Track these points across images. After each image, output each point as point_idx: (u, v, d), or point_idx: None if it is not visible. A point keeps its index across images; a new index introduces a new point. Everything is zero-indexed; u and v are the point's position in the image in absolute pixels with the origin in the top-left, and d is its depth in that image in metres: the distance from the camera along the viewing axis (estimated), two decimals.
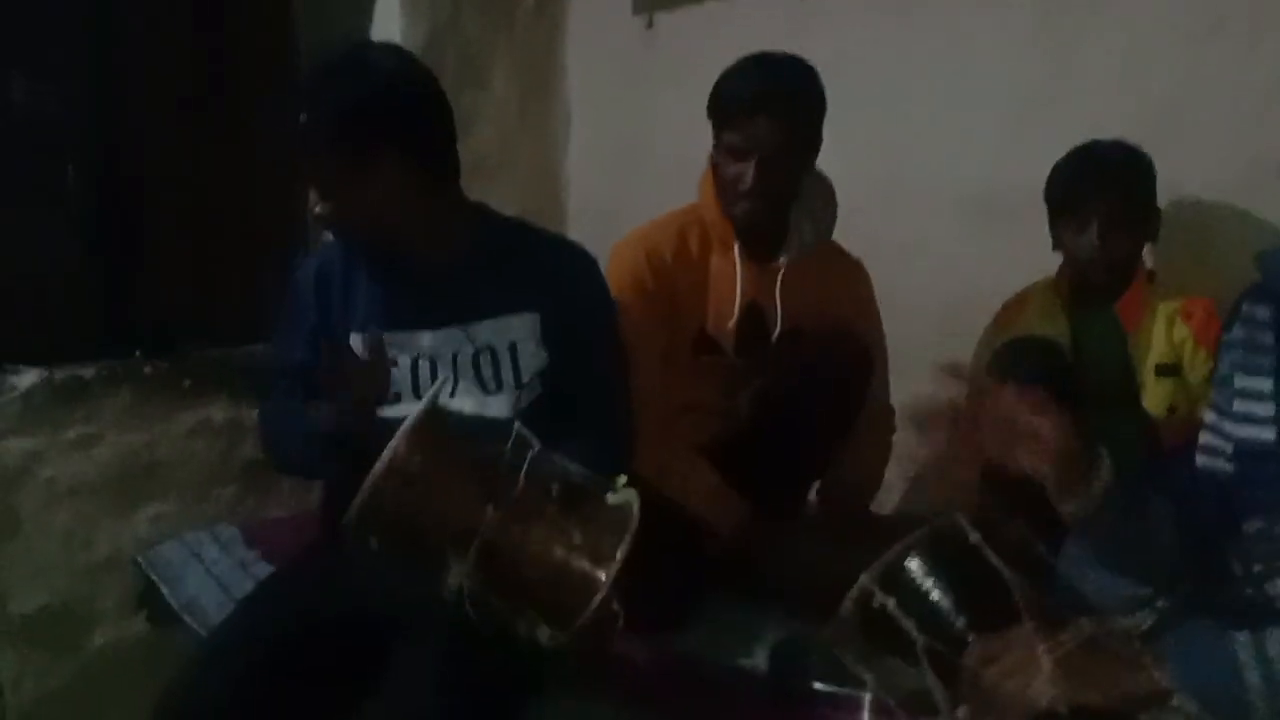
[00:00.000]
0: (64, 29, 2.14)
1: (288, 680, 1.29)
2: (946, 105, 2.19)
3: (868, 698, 1.38)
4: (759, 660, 1.51)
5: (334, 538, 1.47)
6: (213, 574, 1.84)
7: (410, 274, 1.46)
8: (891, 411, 1.97)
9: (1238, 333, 1.18)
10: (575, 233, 2.26)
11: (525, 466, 1.19)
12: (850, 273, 1.92)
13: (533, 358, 1.46)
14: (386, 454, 1.15)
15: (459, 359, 1.45)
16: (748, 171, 1.69)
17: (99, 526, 2.06)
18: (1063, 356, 1.74)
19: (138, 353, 2.17)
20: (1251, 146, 1.85)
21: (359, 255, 1.48)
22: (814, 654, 1.46)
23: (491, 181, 1.52)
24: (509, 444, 1.22)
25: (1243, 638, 0.98)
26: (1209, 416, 1.21)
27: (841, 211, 1.87)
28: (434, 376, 1.45)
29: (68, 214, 2.16)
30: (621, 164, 2.62)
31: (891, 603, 1.07)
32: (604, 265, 1.65)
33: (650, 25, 2.57)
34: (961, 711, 1.04)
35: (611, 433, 1.48)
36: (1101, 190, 1.76)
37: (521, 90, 2.57)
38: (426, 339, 1.45)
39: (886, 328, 1.96)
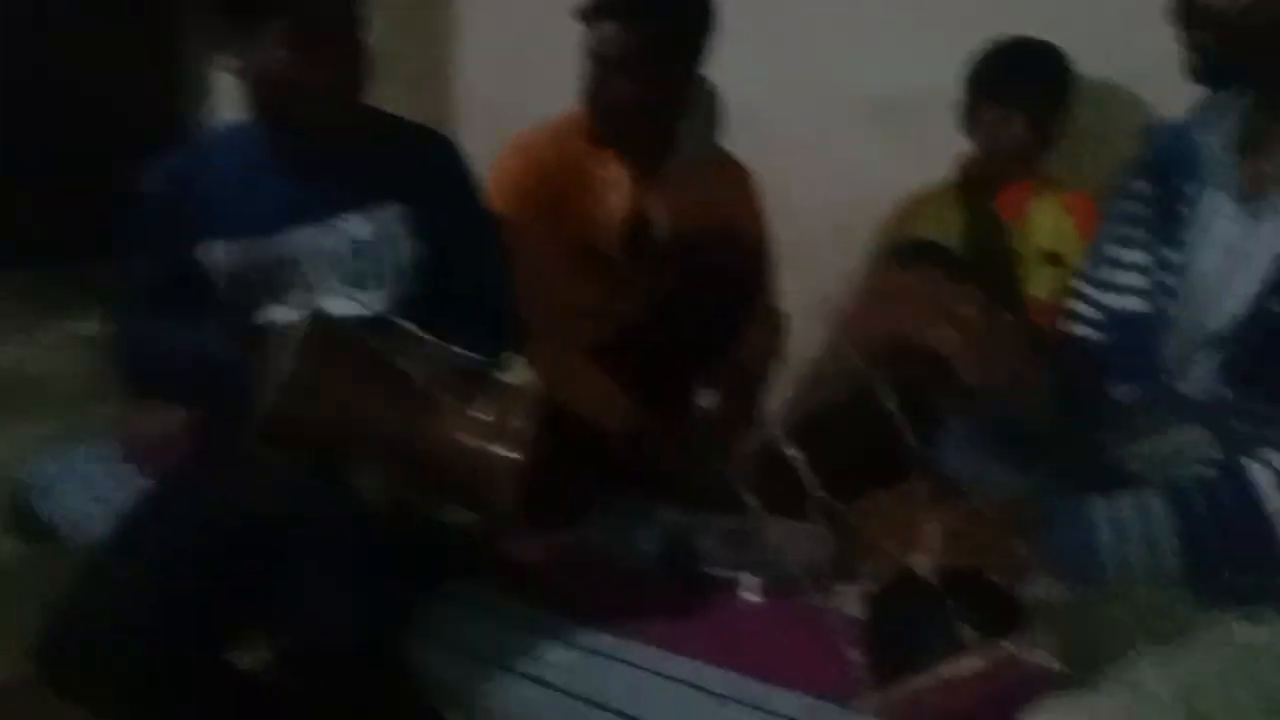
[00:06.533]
0: None
1: (183, 593, 1.27)
2: (844, 4, 2.16)
3: (756, 580, 1.44)
4: (651, 547, 1.54)
5: (214, 445, 1.45)
6: (89, 489, 1.78)
7: (277, 169, 1.40)
8: (780, 313, 1.97)
9: (1116, 205, 1.19)
10: (465, 135, 2.17)
11: (418, 359, 1.19)
12: (738, 179, 1.91)
13: (408, 252, 1.42)
14: (281, 370, 1.12)
15: (331, 256, 1.40)
16: (592, 77, 1.69)
17: None
18: (954, 258, 1.76)
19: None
20: (1139, 41, 1.85)
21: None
22: (704, 539, 1.52)
23: (370, 77, 1.42)
24: (396, 340, 1.21)
25: (1098, 501, 1.01)
26: (1079, 285, 1.22)
27: (735, 110, 1.83)
28: (301, 278, 1.40)
29: None
30: (516, 61, 2.53)
31: (794, 452, 1.08)
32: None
33: None
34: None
35: (495, 323, 1.44)
36: (1032, 79, 1.80)
37: None
38: (295, 237, 1.40)
39: (781, 228, 1.94)
